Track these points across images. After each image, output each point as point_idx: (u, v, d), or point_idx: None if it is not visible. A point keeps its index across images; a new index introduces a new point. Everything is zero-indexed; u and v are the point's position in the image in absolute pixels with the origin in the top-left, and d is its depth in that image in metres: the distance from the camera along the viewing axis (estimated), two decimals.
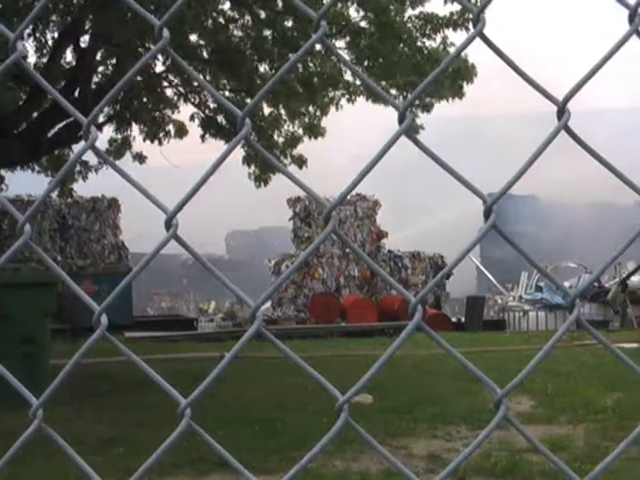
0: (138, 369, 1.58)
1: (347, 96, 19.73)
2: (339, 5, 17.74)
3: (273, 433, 11.19)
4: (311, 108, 20.91)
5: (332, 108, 20.56)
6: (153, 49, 1.50)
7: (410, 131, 1.45)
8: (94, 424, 11.89)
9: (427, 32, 18.16)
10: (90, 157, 20.64)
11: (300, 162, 21.79)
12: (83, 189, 27.70)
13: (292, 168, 21.20)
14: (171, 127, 22.47)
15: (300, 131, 21.50)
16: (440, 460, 9.98)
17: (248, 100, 18.73)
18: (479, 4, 1.51)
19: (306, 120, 21.25)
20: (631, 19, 1.50)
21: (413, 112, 19.26)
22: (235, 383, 13.97)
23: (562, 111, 1.45)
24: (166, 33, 1.48)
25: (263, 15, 18.40)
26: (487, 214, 1.43)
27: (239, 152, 20.53)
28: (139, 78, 18.14)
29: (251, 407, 13.25)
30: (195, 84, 20.20)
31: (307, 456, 1.43)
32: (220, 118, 20.81)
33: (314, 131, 21.36)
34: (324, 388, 1.47)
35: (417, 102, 19.15)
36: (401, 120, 1.44)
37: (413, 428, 11.83)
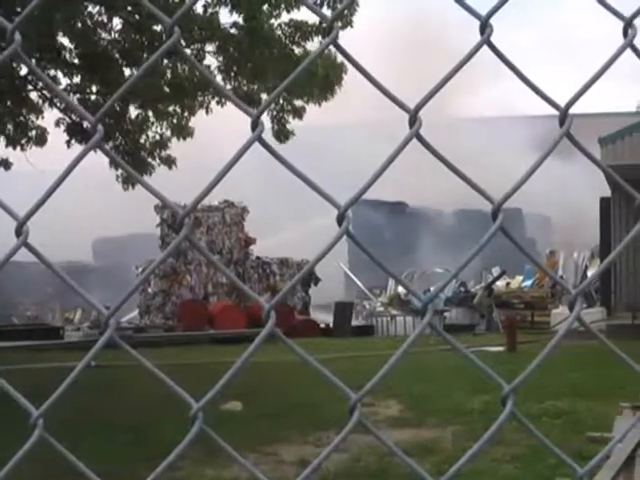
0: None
1: (217, 99, 19.59)
2: (210, 11, 17.71)
3: (144, 441, 11.04)
4: (178, 108, 20.75)
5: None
6: (3, 53, 1.47)
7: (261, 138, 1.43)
8: None
9: (296, 39, 18.25)
10: None
11: (169, 163, 21.52)
12: None
13: (162, 169, 21.02)
14: (34, 133, 21.97)
15: (169, 132, 21.28)
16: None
17: (116, 105, 18.42)
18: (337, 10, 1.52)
19: (174, 121, 21.06)
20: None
21: (285, 118, 19.34)
22: (105, 392, 13.77)
23: (414, 119, 1.45)
24: (18, 37, 1.44)
25: (132, 19, 18.21)
26: (340, 221, 1.42)
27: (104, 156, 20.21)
28: (2, 81, 17.74)
29: (122, 416, 13.07)
30: (61, 88, 19.80)
31: (161, 466, 1.42)
32: (86, 123, 20.42)
33: (182, 132, 21.20)
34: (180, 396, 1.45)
35: (289, 107, 19.22)
36: (254, 127, 1.43)
37: (284, 434, 11.84)
